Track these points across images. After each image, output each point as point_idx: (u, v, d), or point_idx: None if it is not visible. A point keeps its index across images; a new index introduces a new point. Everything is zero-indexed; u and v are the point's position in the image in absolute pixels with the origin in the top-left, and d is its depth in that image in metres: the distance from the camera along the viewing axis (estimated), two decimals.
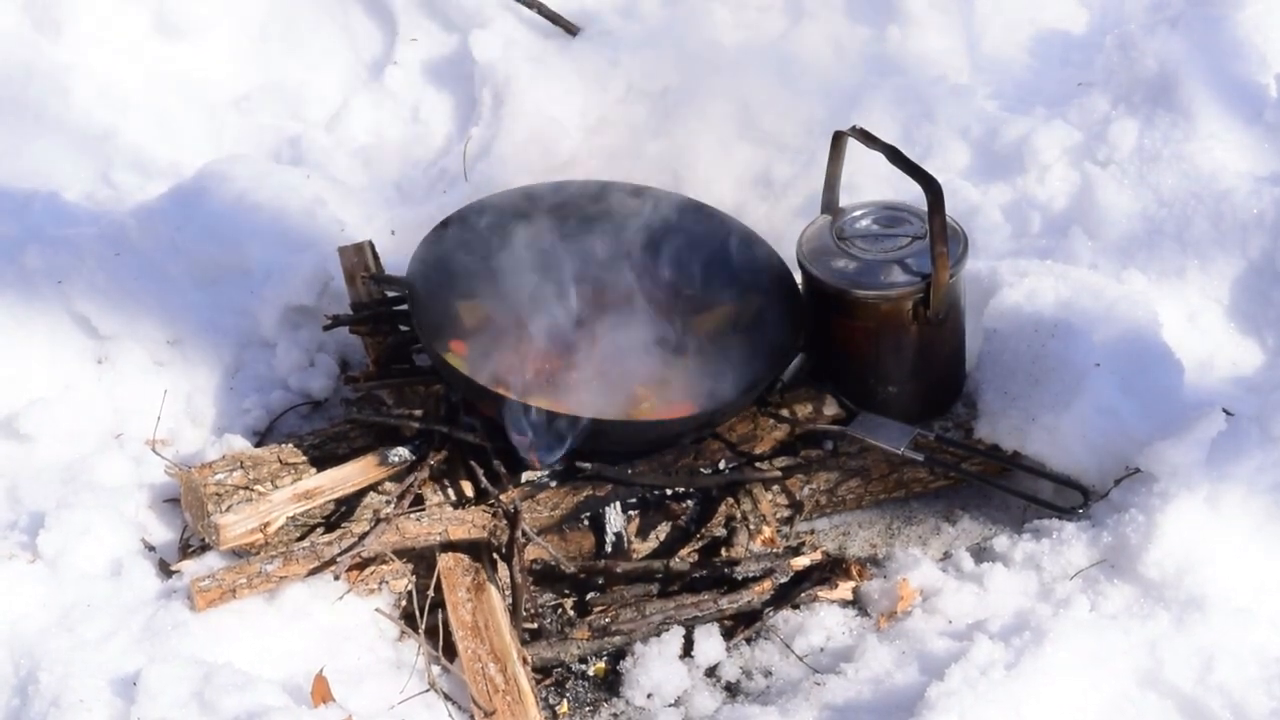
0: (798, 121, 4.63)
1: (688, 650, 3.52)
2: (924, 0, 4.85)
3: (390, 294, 3.92)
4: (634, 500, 3.64)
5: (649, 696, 3.46)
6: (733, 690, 3.49)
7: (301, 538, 3.56)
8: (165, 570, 3.56)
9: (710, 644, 3.52)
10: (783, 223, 4.22)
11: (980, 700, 3.16)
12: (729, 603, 3.54)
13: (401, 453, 3.61)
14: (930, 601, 3.56)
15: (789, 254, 3.85)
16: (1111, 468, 3.67)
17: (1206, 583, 3.40)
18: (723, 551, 3.61)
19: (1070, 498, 3.69)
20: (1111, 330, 3.78)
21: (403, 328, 3.87)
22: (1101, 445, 3.67)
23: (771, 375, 3.68)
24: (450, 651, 3.42)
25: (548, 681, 3.51)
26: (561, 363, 3.80)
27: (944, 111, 4.53)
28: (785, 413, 3.73)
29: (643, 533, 3.65)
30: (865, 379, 3.76)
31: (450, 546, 3.51)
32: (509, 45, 4.82)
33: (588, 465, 3.57)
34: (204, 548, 3.56)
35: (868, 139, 3.67)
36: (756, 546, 3.61)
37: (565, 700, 3.48)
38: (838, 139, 3.77)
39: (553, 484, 3.58)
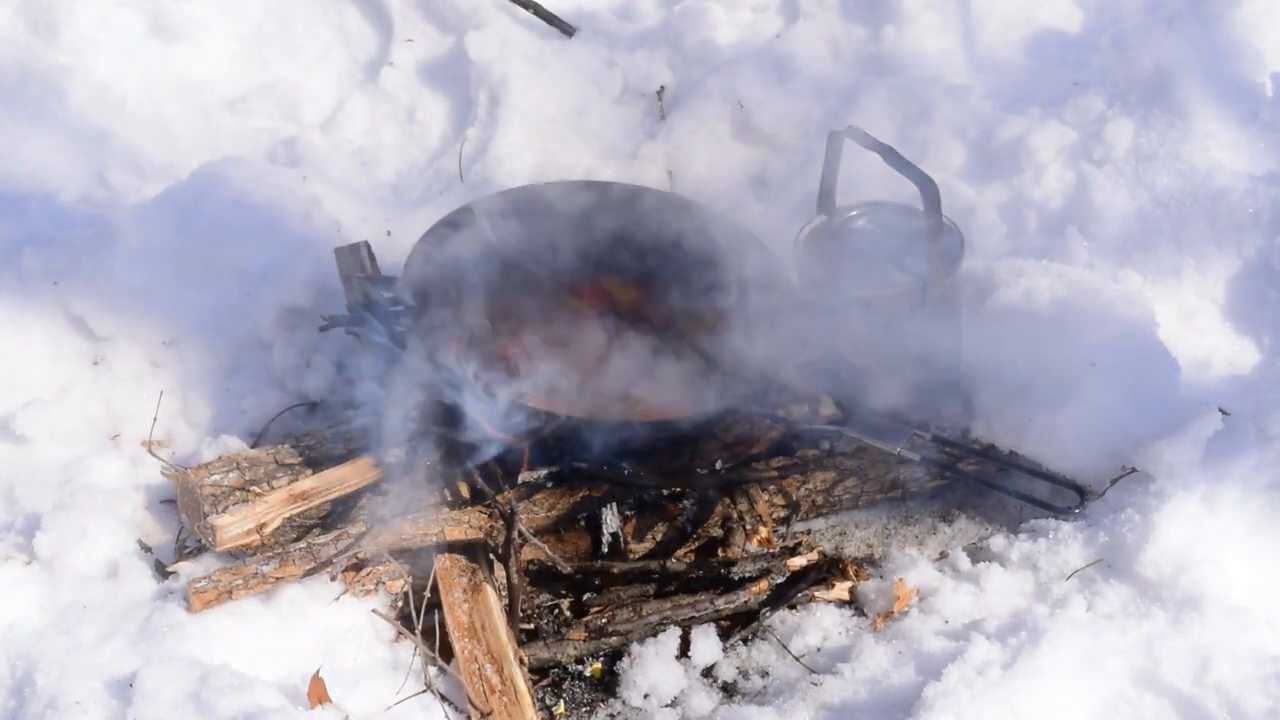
0: (793, 121, 4.63)
1: (684, 650, 3.52)
2: (920, 0, 4.85)
3: (386, 295, 3.92)
4: (630, 501, 3.64)
5: (646, 697, 3.46)
6: (729, 690, 3.49)
7: (298, 539, 3.56)
8: (162, 571, 3.56)
9: (707, 644, 3.52)
10: (779, 222, 4.22)
11: (977, 700, 3.16)
12: (726, 603, 3.54)
13: (398, 454, 3.61)
14: (927, 601, 3.56)
15: (785, 254, 3.84)
16: (1108, 467, 3.67)
17: (1203, 582, 3.40)
18: (719, 552, 3.61)
19: (1066, 497, 3.69)
20: (1108, 330, 3.79)
21: (398, 328, 3.86)
22: (1098, 445, 3.68)
23: (767, 376, 3.68)
24: (447, 652, 3.42)
25: (544, 682, 3.51)
26: (557, 364, 3.79)
27: (940, 111, 4.53)
28: (781, 413, 3.73)
29: (639, 533, 3.64)
30: (861, 379, 3.76)
31: (447, 547, 3.51)
32: (505, 46, 4.82)
33: (584, 466, 3.57)
34: (200, 549, 3.56)
35: (864, 139, 3.67)
36: (753, 547, 3.61)
37: (562, 701, 3.48)
38: (834, 139, 3.77)
39: (549, 485, 3.58)
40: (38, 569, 3.53)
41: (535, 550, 3.50)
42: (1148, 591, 3.44)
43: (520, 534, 3.43)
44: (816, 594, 3.59)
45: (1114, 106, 4.42)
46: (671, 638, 3.51)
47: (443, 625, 3.43)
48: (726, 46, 4.82)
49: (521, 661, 3.39)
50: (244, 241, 4.22)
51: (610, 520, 3.60)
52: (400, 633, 3.46)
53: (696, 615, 3.53)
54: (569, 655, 3.51)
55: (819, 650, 3.53)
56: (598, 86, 4.80)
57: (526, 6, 4.94)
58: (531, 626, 3.52)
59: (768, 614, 3.57)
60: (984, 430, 3.78)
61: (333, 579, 3.42)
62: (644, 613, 3.51)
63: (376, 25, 5.08)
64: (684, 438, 3.65)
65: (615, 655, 3.52)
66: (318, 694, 3.24)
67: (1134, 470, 3.62)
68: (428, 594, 3.47)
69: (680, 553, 3.63)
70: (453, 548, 3.51)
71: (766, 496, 3.70)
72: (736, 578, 3.55)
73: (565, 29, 4.95)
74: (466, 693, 3.33)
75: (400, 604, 3.53)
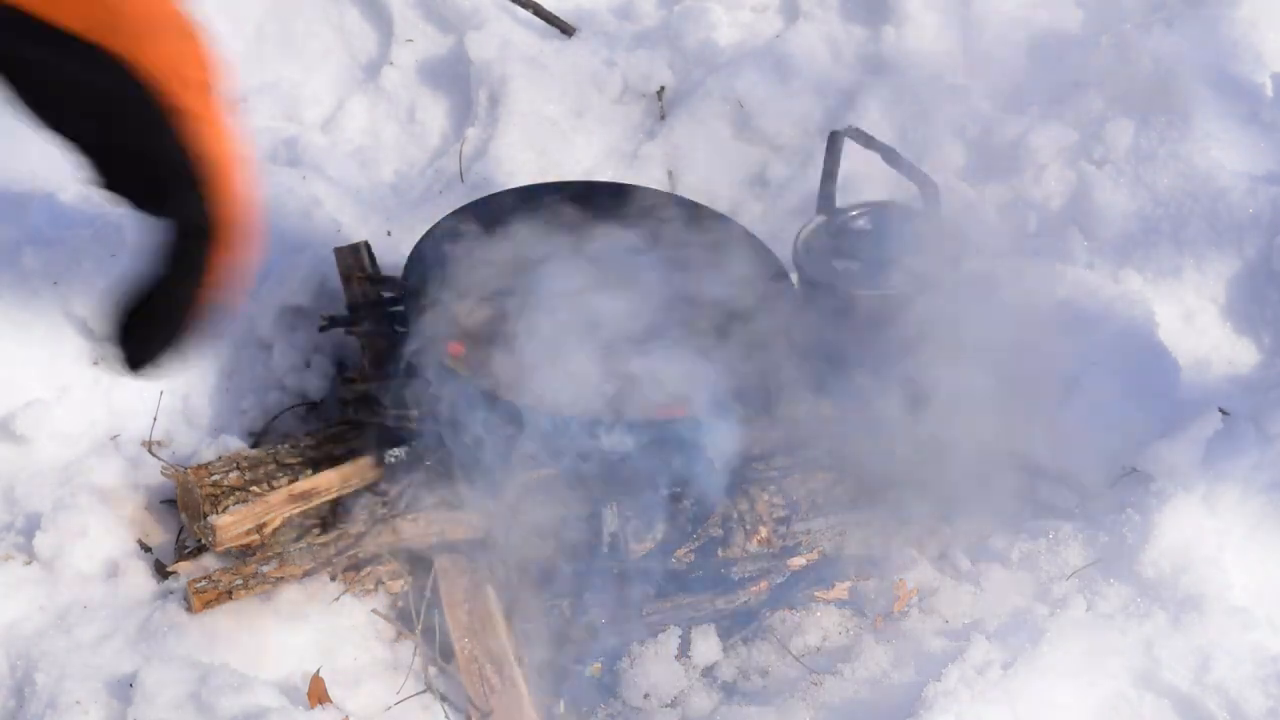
0: (793, 121, 4.63)
1: (684, 650, 3.51)
2: (920, 0, 4.86)
3: (386, 295, 3.93)
4: (630, 501, 3.64)
5: (646, 696, 3.45)
6: (729, 690, 3.49)
7: (298, 539, 3.56)
8: (162, 571, 3.56)
9: (707, 644, 3.52)
10: (779, 223, 4.23)
11: (977, 700, 3.16)
12: (725, 603, 3.54)
13: (398, 453, 3.61)
14: (927, 601, 3.56)
15: (785, 254, 3.84)
16: (1108, 467, 3.67)
17: (1203, 582, 3.40)
18: (719, 552, 3.61)
19: (1066, 497, 3.69)
20: (1108, 330, 3.79)
21: (399, 329, 3.87)
22: (1098, 444, 3.68)
23: (768, 376, 3.68)
24: (447, 652, 3.42)
25: (544, 682, 3.50)
26: (558, 364, 3.79)
27: (940, 111, 4.53)
28: (780, 413, 3.73)
29: (639, 533, 3.64)
30: (861, 378, 3.76)
31: (447, 547, 3.51)
32: (505, 46, 4.82)
33: (584, 465, 3.57)
34: (200, 549, 3.56)
35: (864, 139, 3.67)
36: (753, 546, 3.61)
37: (562, 701, 3.48)
38: (833, 139, 3.77)
39: (547, 484, 3.57)
40: (38, 569, 3.53)
41: (535, 549, 3.49)
42: (1148, 591, 3.44)
43: (519, 533, 3.43)
44: (816, 594, 3.59)
45: (1114, 106, 4.41)
46: (671, 638, 3.51)
47: (443, 625, 3.43)
48: (726, 46, 4.83)
49: (521, 661, 3.39)
50: None
51: (610, 520, 3.60)
52: (400, 632, 3.46)
53: (696, 615, 3.53)
54: (569, 655, 3.51)
55: (819, 650, 3.53)
56: (598, 86, 4.80)
57: (526, 6, 4.94)
58: (531, 626, 3.51)
59: (767, 614, 3.57)
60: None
61: (333, 579, 3.42)
62: (644, 613, 3.51)
63: (376, 25, 5.08)
64: (684, 438, 3.65)
65: (615, 655, 3.52)
66: (318, 694, 3.24)
67: (1134, 470, 3.62)
68: (428, 594, 3.47)
69: (680, 553, 3.63)
70: (453, 548, 3.51)
71: (766, 496, 3.70)
72: (736, 578, 3.55)
73: (565, 29, 4.95)
74: (467, 692, 3.33)
75: (400, 604, 3.53)
